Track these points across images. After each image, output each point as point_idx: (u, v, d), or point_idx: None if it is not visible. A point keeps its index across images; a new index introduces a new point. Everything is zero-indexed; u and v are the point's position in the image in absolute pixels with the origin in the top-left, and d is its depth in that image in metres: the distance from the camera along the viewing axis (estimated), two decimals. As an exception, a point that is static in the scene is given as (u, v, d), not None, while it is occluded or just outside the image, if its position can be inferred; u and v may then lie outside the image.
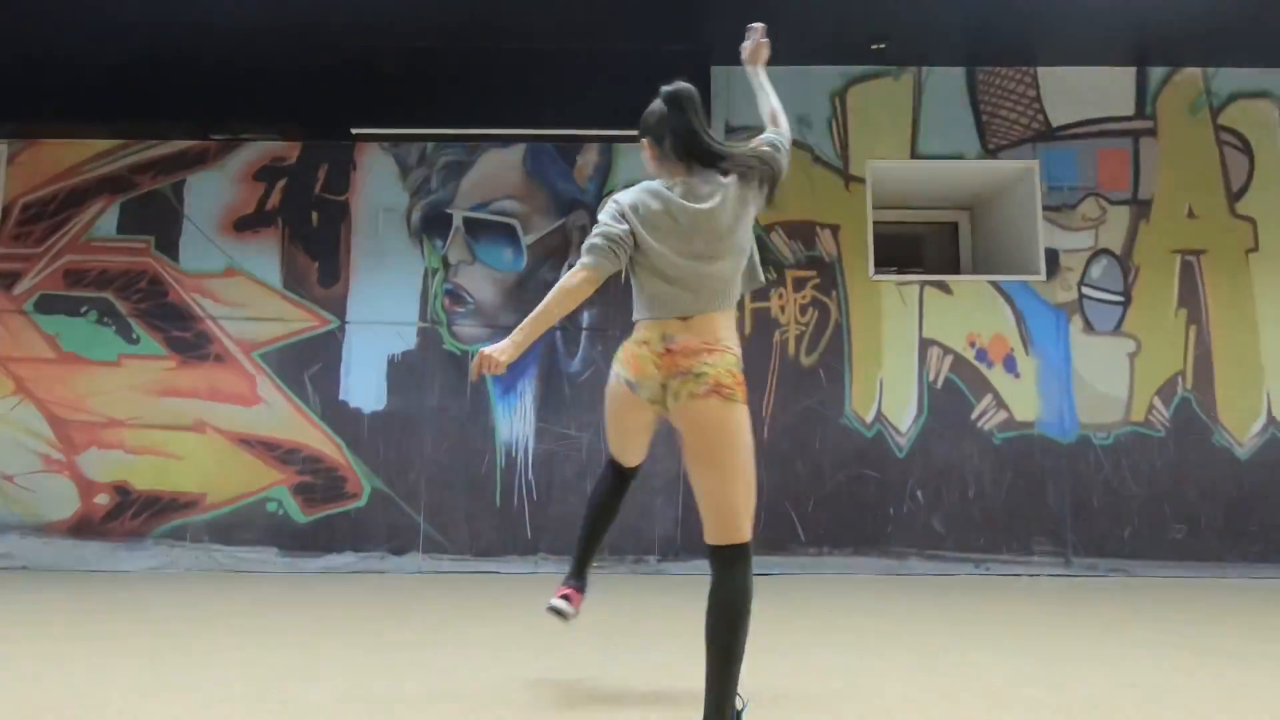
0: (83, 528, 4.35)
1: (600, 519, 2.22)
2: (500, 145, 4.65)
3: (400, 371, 4.49)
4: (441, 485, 4.40)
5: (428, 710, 2.02)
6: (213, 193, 4.61)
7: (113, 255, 4.56)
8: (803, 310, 4.56)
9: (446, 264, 4.59)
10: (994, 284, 4.60)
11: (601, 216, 1.79)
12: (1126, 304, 4.56)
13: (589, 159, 4.66)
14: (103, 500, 4.37)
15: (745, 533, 1.71)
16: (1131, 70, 4.74)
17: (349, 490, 4.39)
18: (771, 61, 4.66)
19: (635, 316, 1.82)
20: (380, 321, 4.52)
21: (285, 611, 3.31)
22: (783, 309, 4.56)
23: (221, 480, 4.39)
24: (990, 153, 4.70)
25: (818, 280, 4.59)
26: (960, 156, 4.70)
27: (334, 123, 4.48)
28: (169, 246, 4.57)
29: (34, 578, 4.08)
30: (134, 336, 4.49)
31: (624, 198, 1.81)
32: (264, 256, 4.56)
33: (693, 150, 1.82)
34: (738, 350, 1.75)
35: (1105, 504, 4.39)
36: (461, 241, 4.60)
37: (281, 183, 4.63)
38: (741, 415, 1.70)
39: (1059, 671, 2.43)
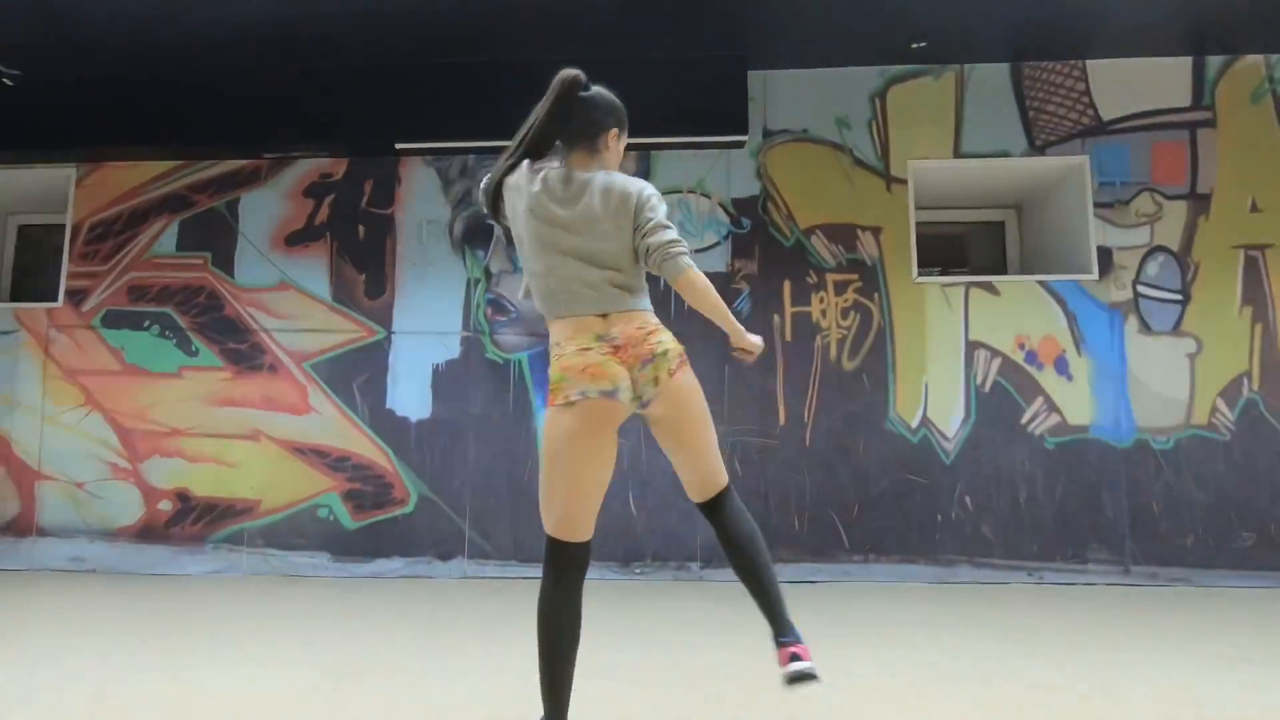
0: (147, 533, 4.55)
1: (564, 641, 1.66)
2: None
3: (444, 380, 4.58)
4: (485, 491, 4.47)
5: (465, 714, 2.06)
6: (265, 209, 4.78)
7: (173, 271, 4.76)
8: (844, 314, 4.50)
9: (488, 274, 4.67)
10: (1043, 284, 4.47)
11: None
12: (1185, 302, 4.39)
13: (626, 167, 4.67)
14: (165, 506, 4.56)
15: (723, 478, 1.81)
16: (1187, 60, 4.57)
17: (396, 497, 4.50)
18: (810, 63, 4.62)
19: (543, 313, 1.79)
20: (425, 332, 4.62)
21: (341, 613, 3.40)
22: (824, 313, 4.51)
23: (275, 487, 4.54)
24: (1038, 149, 4.58)
25: (859, 283, 4.53)
26: (1006, 154, 4.59)
27: (378, 139, 4.60)
28: (225, 262, 4.75)
29: (103, 581, 4.28)
30: (193, 349, 4.68)
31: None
32: (314, 270, 4.71)
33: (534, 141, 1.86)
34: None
35: (1166, 511, 4.23)
36: (502, 252, 4.67)
37: (330, 198, 4.77)
38: (695, 381, 1.79)
39: (1117, 685, 2.35)
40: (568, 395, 1.64)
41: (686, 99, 4.43)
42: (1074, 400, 4.35)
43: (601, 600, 3.74)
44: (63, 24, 4.20)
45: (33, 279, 5.45)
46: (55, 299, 4.80)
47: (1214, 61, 4.55)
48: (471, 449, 4.51)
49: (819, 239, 4.57)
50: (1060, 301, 4.43)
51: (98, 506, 4.59)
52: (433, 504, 4.48)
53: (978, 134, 4.60)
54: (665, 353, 1.70)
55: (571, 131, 1.79)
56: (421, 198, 4.75)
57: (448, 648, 2.82)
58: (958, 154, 4.62)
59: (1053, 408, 4.35)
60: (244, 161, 4.81)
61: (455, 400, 4.55)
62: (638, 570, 4.35)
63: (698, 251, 4.56)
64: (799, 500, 4.34)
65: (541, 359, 4.58)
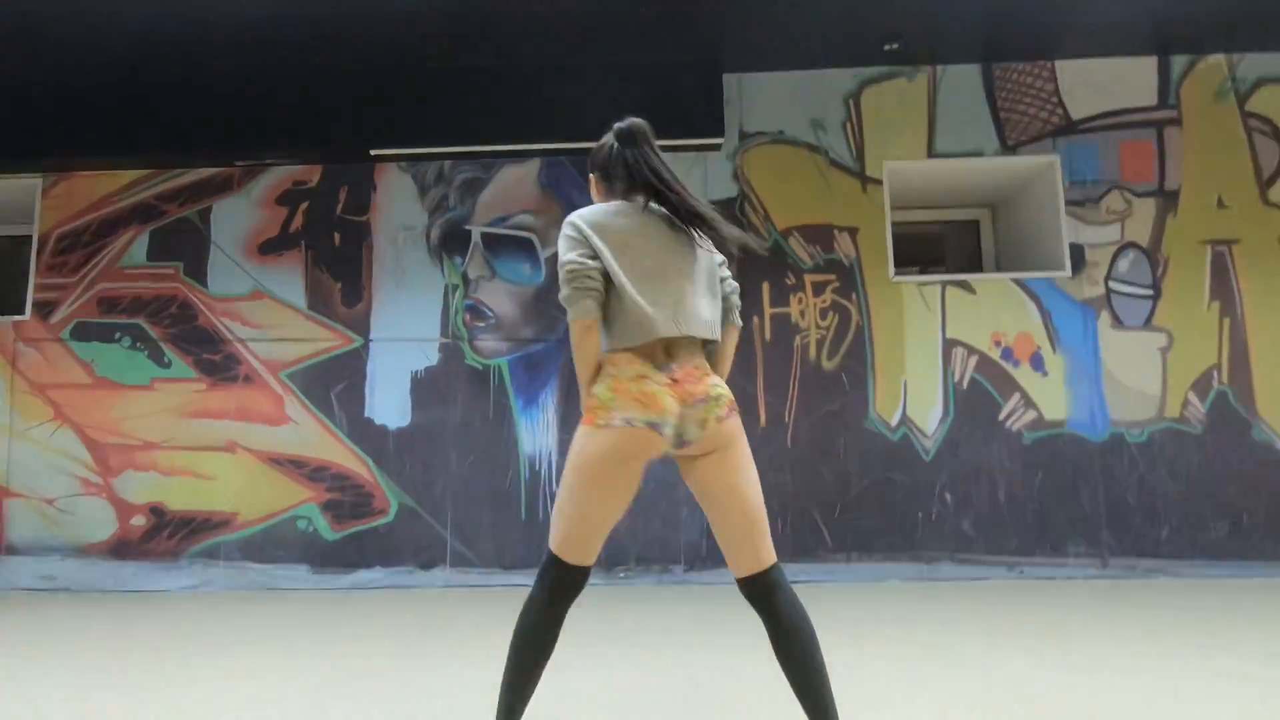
0: (121, 549, 4.46)
1: (537, 660, 1.61)
2: (515, 161, 4.70)
3: (424, 388, 4.54)
4: (467, 500, 4.43)
5: (457, 727, 2.03)
6: (237, 218, 4.72)
7: (144, 282, 4.68)
8: (823, 314, 4.53)
9: (466, 280, 4.64)
10: (1018, 282, 4.53)
11: (562, 249, 1.65)
12: (1156, 297, 4.46)
13: (604, 171, 4.68)
14: (139, 522, 4.48)
15: (771, 552, 1.65)
16: (1153, 59, 4.65)
17: (376, 506, 4.45)
18: (784, 66, 4.63)
19: (606, 348, 1.67)
20: (403, 339, 4.58)
21: (316, 630, 3.35)
22: (803, 313, 4.53)
23: (253, 499, 4.47)
24: (1010, 149, 4.64)
25: (837, 284, 4.56)
26: (979, 154, 4.65)
27: (352, 145, 4.55)
28: (197, 272, 4.68)
29: (76, 599, 4.18)
30: (165, 360, 4.60)
31: (582, 215, 1.67)
32: (288, 278, 4.65)
33: (650, 183, 1.67)
34: None
35: (1141, 503, 4.29)
36: (480, 257, 4.64)
37: (304, 206, 4.72)
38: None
39: (1096, 677, 2.37)
40: (610, 419, 1.58)
41: (662, 102, 4.44)
42: (1050, 396, 4.40)
43: (585, 605, 3.72)
44: (25, 32, 4.12)
45: (2, 292, 5.34)
46: (22, 312, 4.70)
47: (1179, 61, 4.64)
48: (452, 457, 4.47)
49: (796, 240, 4.60)
50: (1035, 299, 4.49)
51: (68, 523, 4.49)
52: (414, 513, 4.43)
53: (951, 134, 4.66)
54: (719, 397, 1.64)
55: None
56: (397, 204, 4.71)
57: (429, 661, 2.79)
58: (932, 154, 4.66)
59: (1029, 404, 4.40)
60: (215, 170, 4.75)
61: (435, 408, 4.51)
62: (621, 574, 4.33)
63: (676, 254, 4.55)
64: (781, 501, 4.35)
65: (521, 364, 4.55)
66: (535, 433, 4.48)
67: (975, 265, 5.36)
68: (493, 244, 4.66)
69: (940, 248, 5.86)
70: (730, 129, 4.66)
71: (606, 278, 1.63)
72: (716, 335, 1.73)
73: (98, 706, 2.26)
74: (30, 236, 4.80)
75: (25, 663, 2.79)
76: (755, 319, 4.51)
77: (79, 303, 4.67)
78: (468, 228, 4.67)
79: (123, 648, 3.02)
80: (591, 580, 4.32)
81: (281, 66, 4.45)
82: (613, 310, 1.64)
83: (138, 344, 4.62)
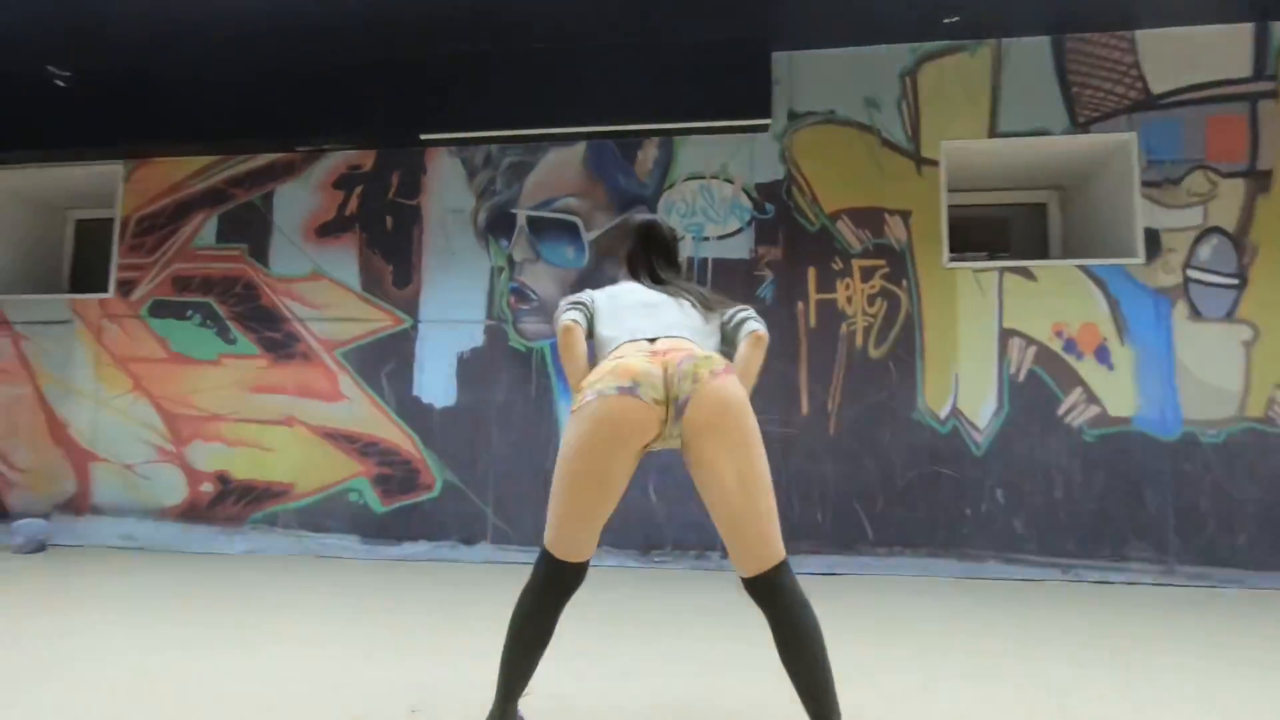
0: (190, 513, 4.76)
1: (530, 645, 1.60)
2: (561, 144, 4.71)
3: (469, 368, 4.64)
4: (508, 478, 4.52)
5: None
6: (298, 202, 4.92)
7: (213, 263, 4.94)
8: (871, 300, 4.38)
9: (511, 263, 4.70)
10: (1084, 269, 4.26)
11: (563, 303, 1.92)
12: (1242, 287, 4.12)
13: (649, 154, 4.65)
14: (207, 489, 4.77)
15: (779, 550, 1.57)
16: (1249, 26, 4.26)
17: (422, 482, 4.59)
18: (837, 43, 4.47)
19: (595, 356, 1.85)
20: (450, 320, 4.69)
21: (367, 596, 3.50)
22: (849, 299, 4.39)
23: (309, 471, 4.69)
24: (1081, 126, 4.35)
25: (887, 269, 4.40)
26: (1046, 132, 4.37)
27: (405, 130, 4.66)
28: (260, 253, 4.91)
29: (151, 558, 4.50)
30: (231, 337, 4.86)
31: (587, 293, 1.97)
32: (344, 260, 4.83)
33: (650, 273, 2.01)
34: None
35: (1216, 508, 4.00)
36: (525, 240, 4.70)
37: (359, 190, 4.87)
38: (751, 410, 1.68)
39: (1149, 692, 2.23)
40: (584, 398, 1.58)
41: (708, 83, 4.36)
42: (1116, 391, 4.14)
43: (620, 588, 3.76)
44: (105, 25, 4.38)
45: (89, 270, 5.75)
46: (107, 290, 5.04)
47: (1279, 28, 4.23)
48: (495, 436, 4.57)
49: (845, 224, 4.45)
50: (1102, 287, 4.22)
51: (146, 487, 4.83)
52: (457, 490, 4.56)
53: (1016, 112, 4.40)
54: (709, 356, 1.63)
55: None
56: (447, 188, 4.81)
57: (463, 633, 2.87)
58: (994, 133, 4.42)
59: (1092, 399, 4.15)
60: (278, 155, 4.95)
61: (479, 388, 4.61)
62: (657, 558, 4.35)
63: (720, 238, 4.49)
64: (821, 491, 4.26)
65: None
66: (575, 415, 4.52)
67: (1042, 251, 5.07)
68: (537, 227, 4.70)
69: (1005, 233, 5.56)
70: (779, 109, 4.54)
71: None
72: (706, 344, 1.78)
73: (160, 661, 2.44)
74: (114, 219, 5.13)
75: (98, 616, 3.03)
76: (800, 304, 4.41)
77: (156, 282, 4.98)
78: (514, 211, 4.73)
79: (186, 605, 3.24)
80: (627, 564, 4.34)
81: (339, 56, 4.59)
82: (601, 334, 1.83)
83: (207, 321, 4.90)
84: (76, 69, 4.82)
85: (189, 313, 4.92)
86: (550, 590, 1.60)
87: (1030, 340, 4.24)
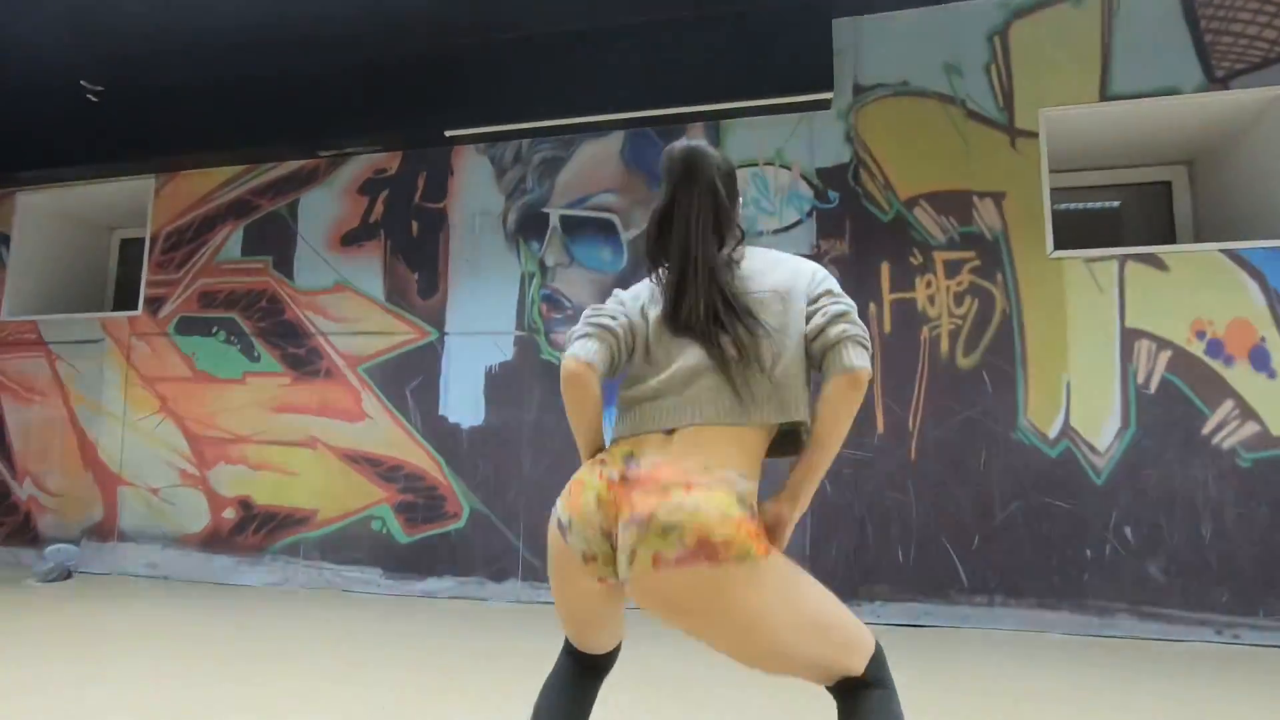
0: (212, 541, 4.50)
1: None
2: (596, 135, 4.25)
3: (498, 384, 4.21)
4: (540, 507, 4.04)
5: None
6: (322, 210, 4.64)
7: (238, 276, 4.71)
8: (958, 300, 3.71)
9: (543, 268, 4.26)
10: (1230, 253, 3.47)
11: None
12: None
13: (693, 137, 4.13)
14: (229, 515, 4.50)
15: (851, 669, 1.16)
16: None
17: (449, 510, 4.18)
18: (909, 3, 3.83)
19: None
20: (478, 332, 4.28)
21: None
22: (932, 299, 3.73)
23: (331, 497, 4.35)
24: (1219, 82, 3.57)
25: (977, 262, 3.71)
26: (1174, 92, 3.62)
27: (430, 128, 4.32)
28: (285, 265, 4.64)
29: (172, 588, 4.25)
30: (255, 354, 4.61)
31: None
32: (368, 270, 4.50)
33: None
34: (749, 484, 1.15)
35: None
36: (559, 242, 4.25)
37: (384, 194, 4.55)
38: (770, 577, 1.10)
39: None
40: (556, 507, 1.26)
41: (758, 56, 3.83)
42: (1278, 404, 3.32)
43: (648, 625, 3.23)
44: (128, 39, 4.23)
45: (134, 290, 5.66)
46: (137, 308, 4.89)
47: None
48: (526, 460, 4.11)
49: (924, 211, 3.80)
50: (1257, 275, 3.41)
51: (170, 513, 4.60)
52: (485, 519, 4.12)
53: (1134, 69, 3.66)
54: (674, 526, 1.07)
55: None
56: (475, 189, 4.42)
57: (482, 686, 2.39)
58: (1105, 97, 3.69)
59: (1248, 414, 3.34)
60: (303, 162, 4.70)
61: (509, 406, 4.17)
62: None
63: (775, 233, 3.92)
64: (903, 526, 3.60)
65: (600, 360, 4.10)
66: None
67: (1166, 237, 4.26)
68: (571, 227, 4.24)
69: (1117, 220, 4.75)
70: (842, 83, 3.94)
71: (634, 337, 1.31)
72: (781, 414, 1.19)
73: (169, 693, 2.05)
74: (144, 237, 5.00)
75: (111, 648, 2.71)
76: (872, 306, 3.77)
77: (182, 298, 4.79)
78: (545, 210, 4.29)
79: (202, 640, 3.02)
80: None
81: (359, 55, 4.30)
82: (629, 379, 1.31)
83: (231, 338, 4.66)
84: (106, 84, 4.71)
85: (214, 329, 4.70)
86: (571, 673, 1.34)
87: (1162, 342, 3.47)
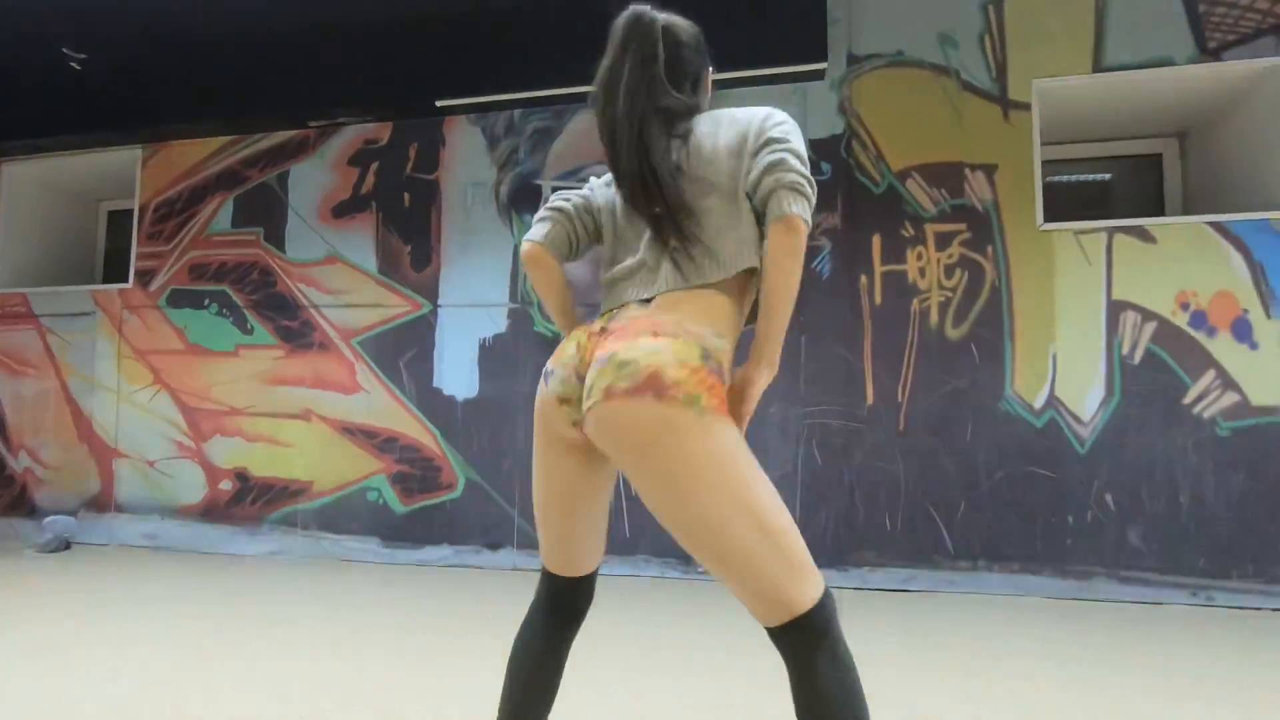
0: (210, 512, 4.54)
1: (528, 695, 1.28)
2: (589, 106, 4.21)
3: (492, 356, 4.24)
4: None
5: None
6: (313, 181, 4.60)
7: (228, 249, 4.69)
8: (948, 272, 3.74)
9: (536, 239, 4.25)
10: (1217, 226, 3.51)
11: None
12: None
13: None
14: (226, 486, 4.53)
15: (795, 600, 1.08)
16: None
17: (444, 481, 4.23)
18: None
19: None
20: (471, 304, 4.29)
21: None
22: (922, 271, 3.77)
23: (327, 468, 4.39)
24: (1210, 54, 3.58)
25: (968, 234, 3.74)
26: (1167, 63, 3.62)
27: (420, 97, 4.27)
28: (276, 237, 4.62)
29: (171, 558, 4.30)
30: (248, 327, 4.60)
31: None
32: (360, 242, 4.49)
33: None
34: (722, 341, 1.15)
35: (1394, 518, 3.22)
36: (551, 214, 4.24)
37: (375, 165, 4.52)
38: (715, 433, 1.08)
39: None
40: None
41: (750, 24, 3.79)
42: (1259, 374, 3.39)
43: (660, 599, 3.31)
44: (119, 4, 4.15)
45: (123, 262, 5.62)
46: (127, 280, 4.87)
47: None
48: (520, 430, 4.15)
49: (916, 182, 3.82)
50: (1242, 248, 3.46)
51: (167, 485, 4.64)
52: (481, 489, 4.17)
53: (1128, 39, 3.66)
54: (628, 362, 1.08)
55: None
56: (467, 160, 4.40)
57: (482, 649, 2.46)
58: (1099, 68, 3.69)
59: (1229, 384, 3.41)
60: (293, 133, 4.65)
61: (503, 378, 4.20)
62: (699, 569, 3.85)
63: (769, 204, 3.92)
64: (891, 494, 3.67)
65: (593, 332, 4.13)
66: (608, 407, 4.05)
67: (1156, 210, 4.30)
68: (564, 199, 4.23)
69: (1106, 192, 4.77)
70: (836, 53, 3.92)
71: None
72: (720, 271, 1.19)
73: (162, 664, 2.11)
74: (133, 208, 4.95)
75: (114, 613, 2.76)
76: (863, 278, 3.81)
77: (173, 270, 4.77)
78: (538, 182, 4.28)
79: (202, 604, 3.07)
80: (668, 574, 3.75)
81: (348, 20, 4.22)
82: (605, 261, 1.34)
83: (224, 310, 4.65)
84: (89, 51, 4.62)
85: (206, 302, 4.69)
86: (542, 613, 1.30)
87: (1147, 314, 3.52)
